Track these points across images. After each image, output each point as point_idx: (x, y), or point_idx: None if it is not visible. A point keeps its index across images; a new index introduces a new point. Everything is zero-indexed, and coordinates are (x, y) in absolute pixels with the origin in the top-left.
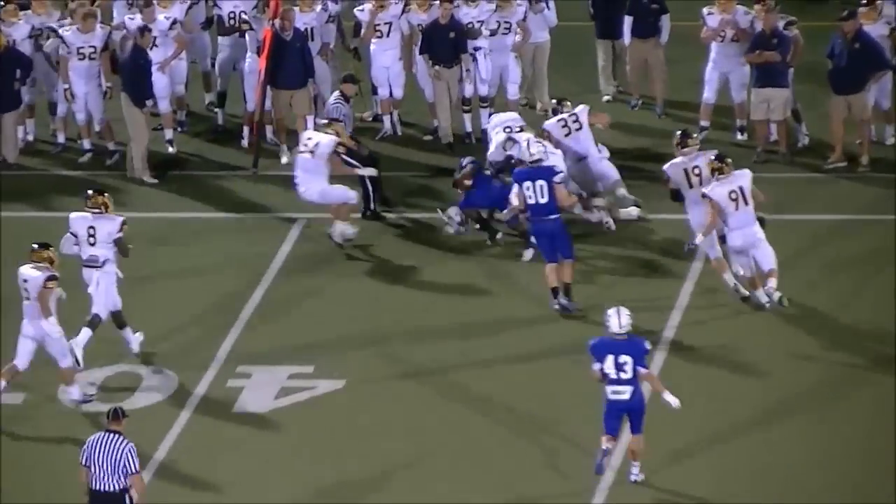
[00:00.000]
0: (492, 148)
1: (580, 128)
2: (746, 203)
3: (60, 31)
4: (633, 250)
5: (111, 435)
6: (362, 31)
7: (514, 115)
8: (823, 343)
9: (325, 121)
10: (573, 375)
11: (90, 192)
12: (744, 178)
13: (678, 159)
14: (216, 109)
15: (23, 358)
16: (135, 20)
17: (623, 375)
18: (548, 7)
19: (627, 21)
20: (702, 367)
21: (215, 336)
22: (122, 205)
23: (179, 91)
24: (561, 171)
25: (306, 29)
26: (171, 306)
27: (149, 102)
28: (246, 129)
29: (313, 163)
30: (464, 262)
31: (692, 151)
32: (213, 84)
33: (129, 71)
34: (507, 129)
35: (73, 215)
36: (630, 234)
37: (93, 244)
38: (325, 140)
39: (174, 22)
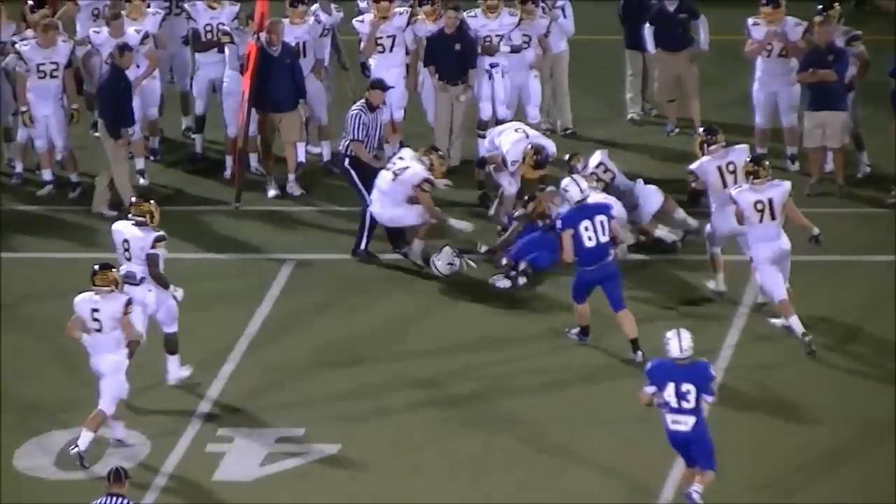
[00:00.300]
0: (507, 147)
1: (614, 177)
2: (773, 218)
3: (17, 45)
4: (674, 291)
5: (114, 499)
6: (362, 44)
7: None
8: (876, 391)
9: (425, 148)
10: (597, 402)
11: (134, 198)
12: (777, 189)
13: (707, 158)
14: (194, 135)
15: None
16: (101, 34)
17: (685, 405)
18: (564, 15)
19: (649, 31)
20: (748, 412)
21: (193, 394)
22: (86, 244)
23: (152, 114)
24: (612, 206)
25: (297, 43)
26: (143, 359)
27: (130, 130)
28: (228, 159)
29: (392, 186)
30: (468, 304)
31: (719, 149)
32: (191, 106)
33: (107, 95)
34: (520, 130)
35: (115, 224)
36: (670, 274)
37: (129, 259)
38: (415, 170)
39: (146, 36)
